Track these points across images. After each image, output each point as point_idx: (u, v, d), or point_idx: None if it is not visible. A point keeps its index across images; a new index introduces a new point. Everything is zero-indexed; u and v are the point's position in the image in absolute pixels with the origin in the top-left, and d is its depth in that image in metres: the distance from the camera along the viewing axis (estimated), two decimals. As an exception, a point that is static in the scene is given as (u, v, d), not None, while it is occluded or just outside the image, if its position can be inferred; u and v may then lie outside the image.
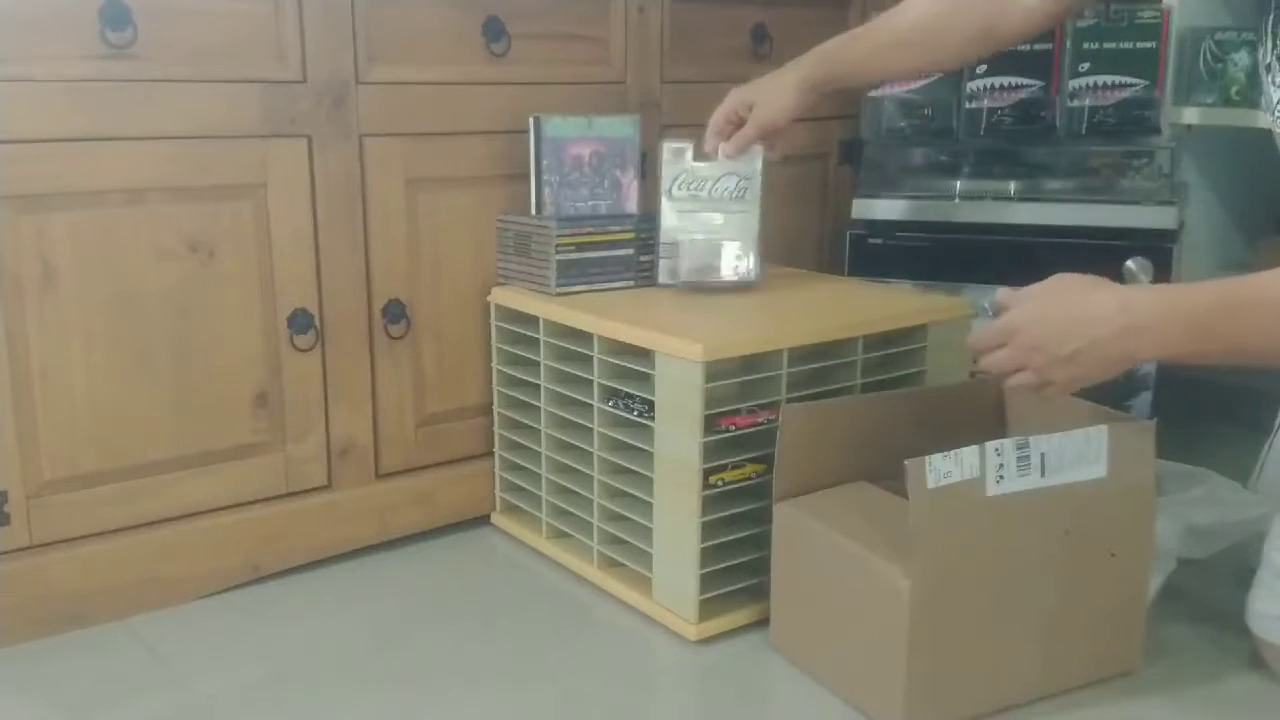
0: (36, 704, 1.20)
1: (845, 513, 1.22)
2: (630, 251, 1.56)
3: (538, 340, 1.50)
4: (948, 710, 1.14)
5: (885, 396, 1.33)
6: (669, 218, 1.54)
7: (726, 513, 1.31)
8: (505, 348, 1.58)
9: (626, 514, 1.40)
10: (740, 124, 1.51)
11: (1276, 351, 1.06)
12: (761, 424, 1.31)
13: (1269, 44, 1.25)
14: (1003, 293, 1.18)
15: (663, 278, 1.56)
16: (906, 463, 1.06)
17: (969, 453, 1.08)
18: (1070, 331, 1.11)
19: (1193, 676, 1.24)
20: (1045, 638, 1.17)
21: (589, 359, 1.41)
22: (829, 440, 1.26)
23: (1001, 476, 1.09)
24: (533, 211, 1.56)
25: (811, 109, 1.51)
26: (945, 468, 1.07)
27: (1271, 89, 1.26)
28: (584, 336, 1.42)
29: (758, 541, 1.32)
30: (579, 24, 1.65)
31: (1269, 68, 1.26)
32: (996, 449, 1.09)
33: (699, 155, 1.54)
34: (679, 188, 1.54)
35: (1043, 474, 1.11)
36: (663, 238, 1.55)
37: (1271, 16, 1.25)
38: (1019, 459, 1.10)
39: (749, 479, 1.32)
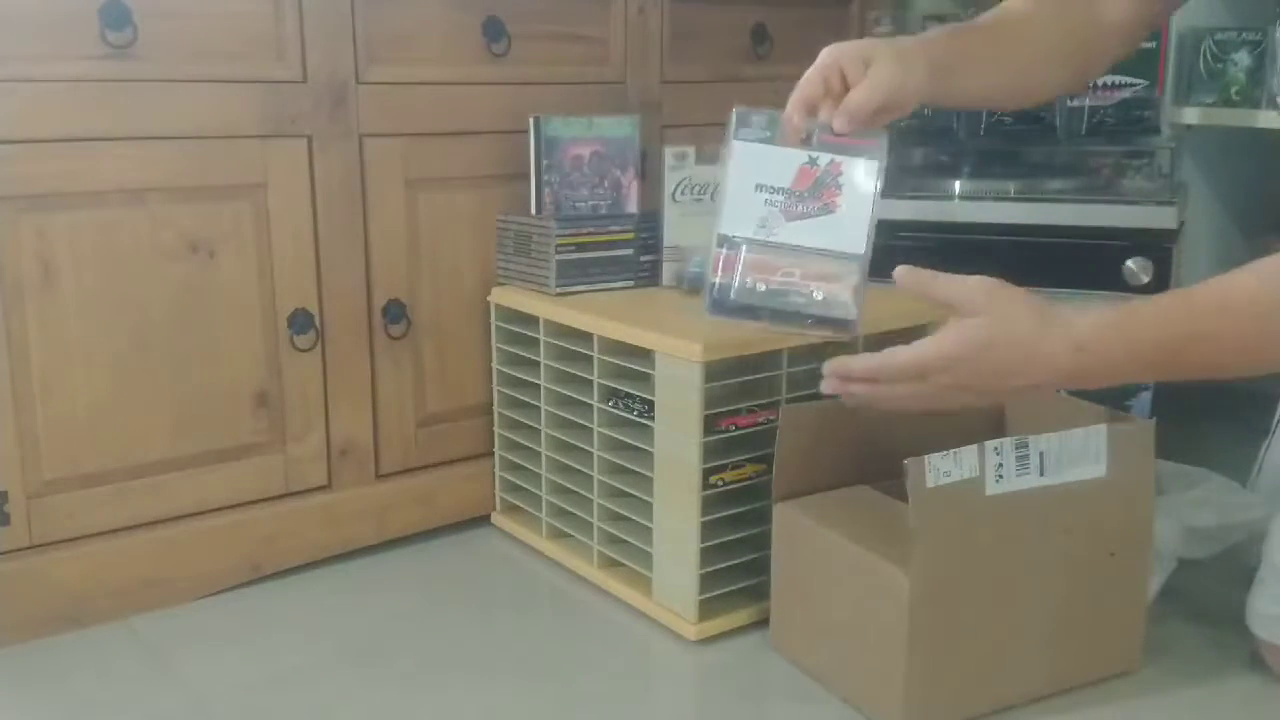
0: (36, 704, 1.20)
1: (845, 513, 1.22)
2: (630, 251, 1.56)
3: (538, 340, 1.50)
4: (947, 710, 1.14)
5: (885, 396, 1.33)
6: (673, 222, 1.55)
7: (726, 513, 1.31)
8: (505, 348, 1.58)
9: (626, 514, 1.40)
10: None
11: (1240, 371, 1.02)
12: (761, 424, 1.31)
13: None
14: (907, 278, 1.04)
15: (667, 281, 1.56)
16: (906, 462, 1.06)
17: (968, 452, 1.08)
18: (1015, 371, 1.02)
19: (1193, 676, 1.24)
20: (1045, 637, 1.17)
21: (589, 359, 1.41)
22: (829, 440, 1.26)
23: (1000, 476, 1.09)
24: (533, 211, 1.56)
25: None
26: (945, 467, 1.07)
27: None
28: (584, 336, 1.42)
29: (758, 541, 1.32)
30: (579, 24, 1.65)
31: None
32: (995, 448, 1.09)
33: (702, 158, 1.54)
34: (682, 192, 1.55)
35: (1042, 473, 1.11)
36: (666, 242, 1.55)
37: None
38: (1018, 458, 1.10)
39: (749, 479, 1.32)
